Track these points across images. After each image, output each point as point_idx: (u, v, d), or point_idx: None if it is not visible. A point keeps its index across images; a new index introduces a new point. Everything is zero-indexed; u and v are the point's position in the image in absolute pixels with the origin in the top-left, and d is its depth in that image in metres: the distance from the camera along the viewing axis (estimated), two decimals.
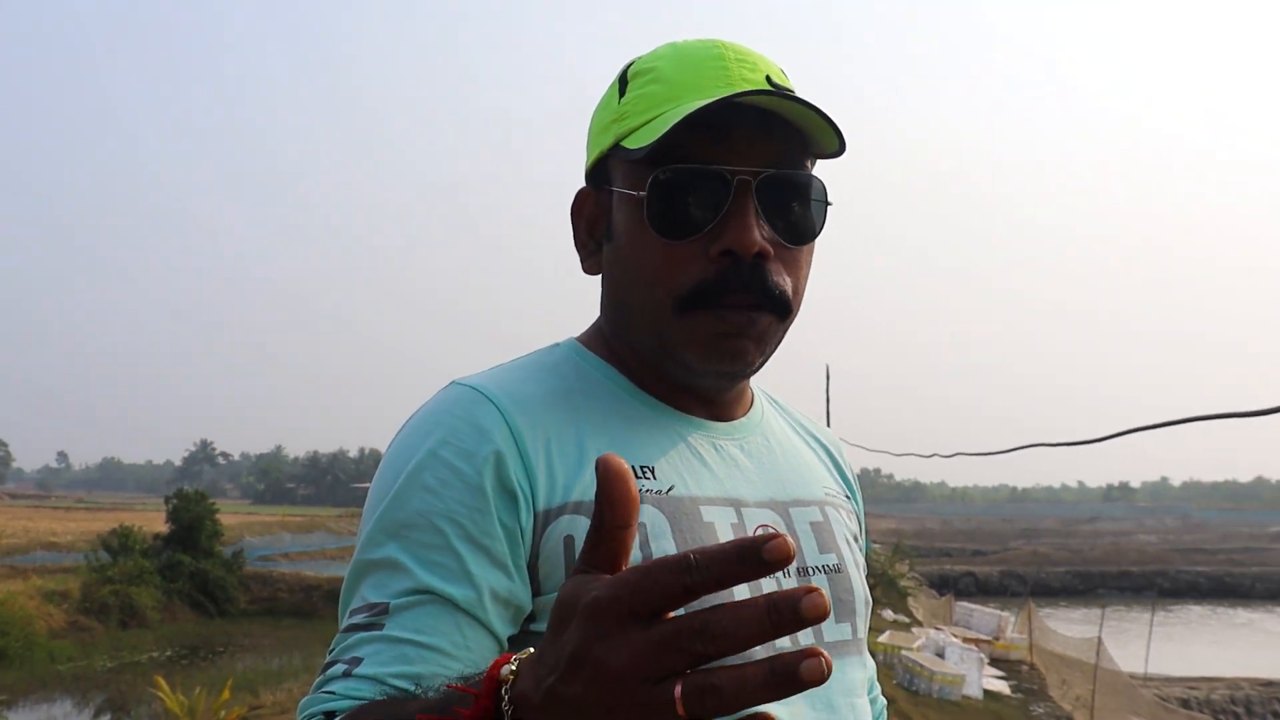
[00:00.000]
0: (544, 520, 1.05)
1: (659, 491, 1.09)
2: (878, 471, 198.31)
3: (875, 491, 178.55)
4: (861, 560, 1.29)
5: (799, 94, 1.10)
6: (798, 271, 1.15)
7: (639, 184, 1.11)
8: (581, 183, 1.23)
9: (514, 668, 0.70)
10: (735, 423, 1.23)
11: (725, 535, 1.10)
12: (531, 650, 0.70)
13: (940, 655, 15.91)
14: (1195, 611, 39.71)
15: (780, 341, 1.18)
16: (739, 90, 1.07)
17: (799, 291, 1.16)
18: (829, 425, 12.90)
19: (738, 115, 1.09)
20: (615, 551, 0.65)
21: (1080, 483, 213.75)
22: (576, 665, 0.64)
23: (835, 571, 1.20)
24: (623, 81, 1.18)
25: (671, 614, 0.62)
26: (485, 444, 1.06)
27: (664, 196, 1.10)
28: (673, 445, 1.15)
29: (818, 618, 0.58)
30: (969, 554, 51.15)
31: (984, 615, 21.46)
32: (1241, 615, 39.16)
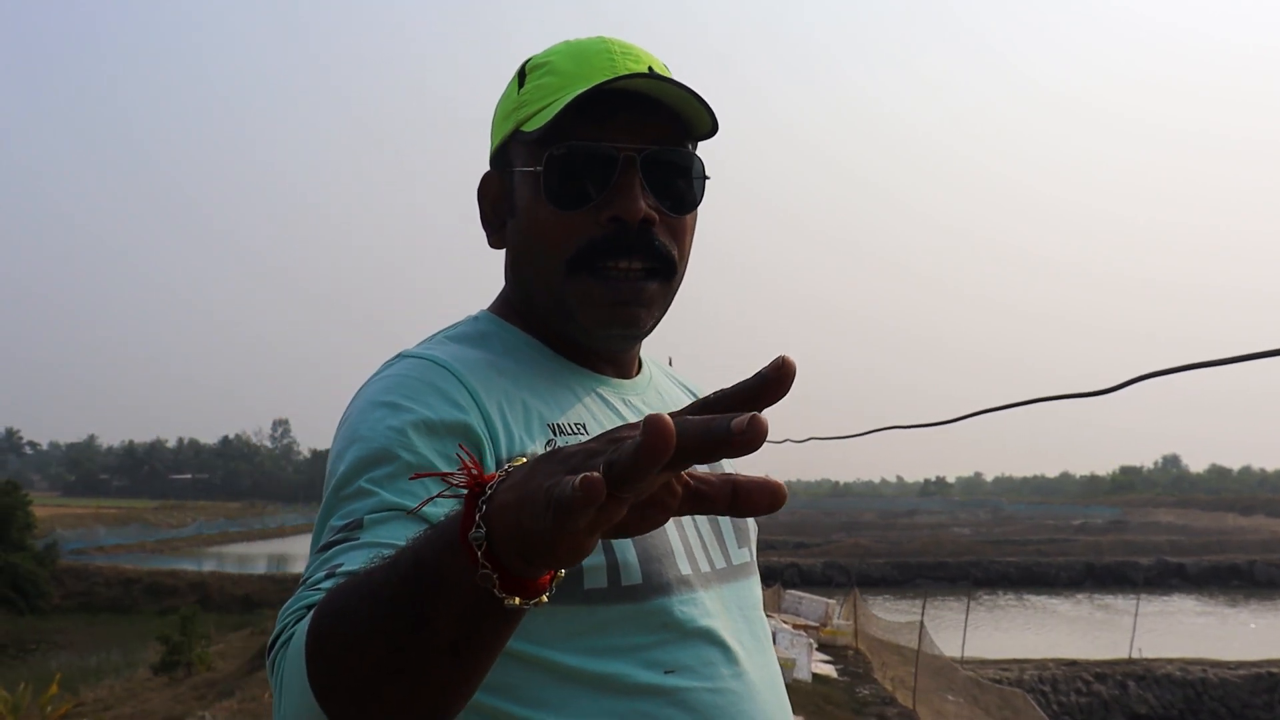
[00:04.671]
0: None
1: None
2: None
3: None
4: None
5: (671, 79, 1.26)
6: (682, 237, 1.30)
7: (536, 161, 1.26)
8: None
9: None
10: (635, 380, 1.39)
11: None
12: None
13: (772, 641, 16.40)
14: (1006, 599, 41.69)
15: (669, 303, 1.33)
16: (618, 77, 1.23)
17: (684, 256, 1.32)
18: None
19: (624, 100, 1.24)
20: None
21: (899, 477, 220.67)
22: (515, 477, 0.76)
23: None
24: (521, 75, 1.33)
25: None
26: (453, 409, 1.16)
27: (558, 171, 1.25)
28: (595, 404, 1.30)
29: (756, 436, 0.67)
30: (792, 546, 52.37)
31: (812, 603, 22.17)
32: (1047, 602, 41.29)
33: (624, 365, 1.38)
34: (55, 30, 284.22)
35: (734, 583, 1.32)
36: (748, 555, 1.38)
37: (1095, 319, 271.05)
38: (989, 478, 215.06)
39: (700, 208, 1.35)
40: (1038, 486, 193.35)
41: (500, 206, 1.36)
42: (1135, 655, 23.66)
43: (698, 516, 1.30)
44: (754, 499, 0.73)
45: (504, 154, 1.34)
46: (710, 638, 1.23)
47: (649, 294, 1.28)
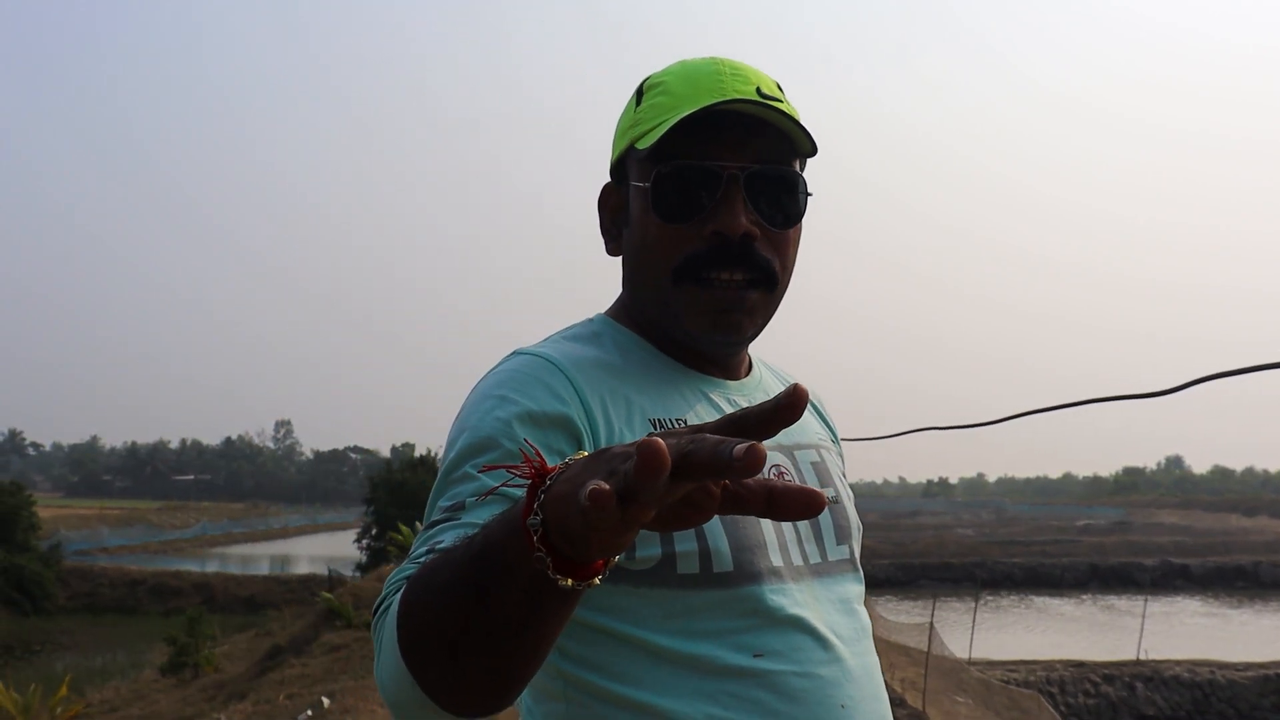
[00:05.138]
0: None
1: None
2: None
3: None
4: (851, 494, 1.53)
5: (782, 104, 1.34)
6: (784, 251, 1.38)
7: (647, 177, 1.35)
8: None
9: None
10: (742, 381, 1.46)
11: None
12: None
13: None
14: (1010, 600, 41.63)
15: (773, 311, 1.41)
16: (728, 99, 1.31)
17: (786, 268, 1.39)
18: None
19: (730, 120, 1.32)
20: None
21: (901, 478, 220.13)
22: (572, 470, 0.82)
23: (834, 502, 1.43)
24: (639, 94, 1.42)
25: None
26: (556, 402, 1.26)
27: (666, 187, 1.34)
28: (699, 401, 1.38)
29: (751, 465, 0.72)
30: None
31: None
32: (1052, 603, 41.20)
33: (732, 368, 1.46)
34: (55, 30, 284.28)
35: (829, 577, 1.37)
36: (846, 553, 1.43)
37: (1095, 319, 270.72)
38: (991, 478, 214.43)
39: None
40: (1040, 487, 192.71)
41: (618, 217, 1.45)
42: (1142, 657, 23.61)
43: None
44: (790, 504, 0.78)
45: (621, 168, 1.43)
46: (801, 625, 1.28)
47: (751, 302, 1.36)
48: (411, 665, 0.99)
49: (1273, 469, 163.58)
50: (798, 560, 1.34)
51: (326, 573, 33.29)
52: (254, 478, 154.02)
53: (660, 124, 1.33)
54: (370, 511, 35.95)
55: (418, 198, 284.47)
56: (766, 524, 1.32)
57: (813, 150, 1.37)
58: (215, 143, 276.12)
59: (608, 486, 0.74)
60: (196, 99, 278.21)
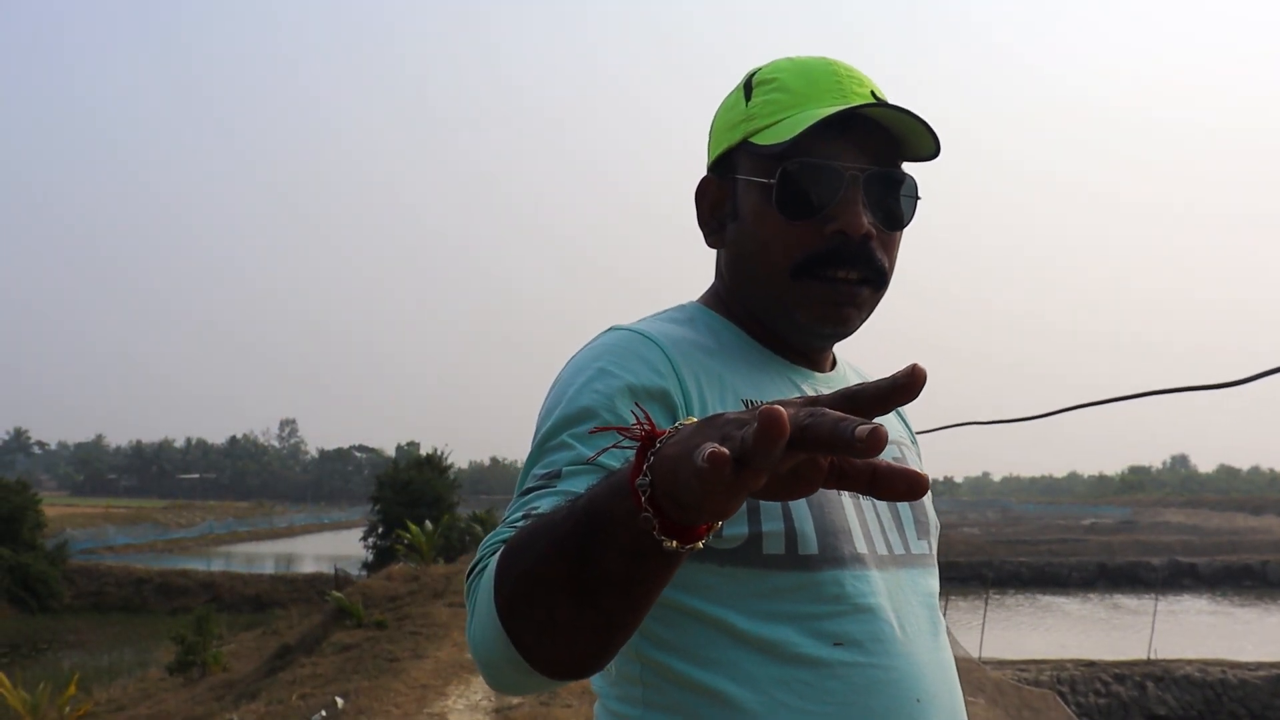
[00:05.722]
0: None
1: None
2: None
3: None
4: (929, 493, 1.51)
5: (903, 106, 1.35)
6: (892, 252, 1.41)
7: (768, 173, 1.36)
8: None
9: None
10: (829, 375, 1.49)
11: None
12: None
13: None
14: (1017, 599, 41.56)
15: (874, 308, 1.43)
16: (853, 103, 1.34)
17: (893, 267, 1.42)
18: None
19: (851, 122, 1.34)
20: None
21: None
22: (682, 434, 0.83)
23: None
24: (747, 88, 1.42)
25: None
26: (654, 376, 1.28)
27: (790, 184, 1.35)
28: (789, 389, 1.39)
29: (874, 447, 0.72)
30: None
31: None
32: (1060, 602, 41.14)
33: (819, 362, 1.48)
34: (54, 33, 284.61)
35: (910, 569, 1.38)
36: (927, 548, 1.43)
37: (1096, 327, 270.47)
38: (996, 477, 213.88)
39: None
40: (1045, 486, 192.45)
41: (720, 210, 1.45)
42: (1152, 656, 23.52)
43: (878, 503, 1.39)
44: (892, 484, 0.79)
45: (728, 161, 1.43)
46: (880, 615, 1.28)
47: (862, 298, 1.39)
48: (508, 625, 1.00)
49: (1279, 468, 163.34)
50: (881, 549, 1.34)
51: (333, 572, 33.26)
52: (259, 477, 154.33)
53: (781, 120, 1.35)
54: (376, 510, 35.95)
55: (416, 198, 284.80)
56: (850, 511, 1.33)
57: (933, 153, 1.38)
58: (217, 145, 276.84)
59: (726, 450, 0.75)
60: (193, 97, 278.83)
